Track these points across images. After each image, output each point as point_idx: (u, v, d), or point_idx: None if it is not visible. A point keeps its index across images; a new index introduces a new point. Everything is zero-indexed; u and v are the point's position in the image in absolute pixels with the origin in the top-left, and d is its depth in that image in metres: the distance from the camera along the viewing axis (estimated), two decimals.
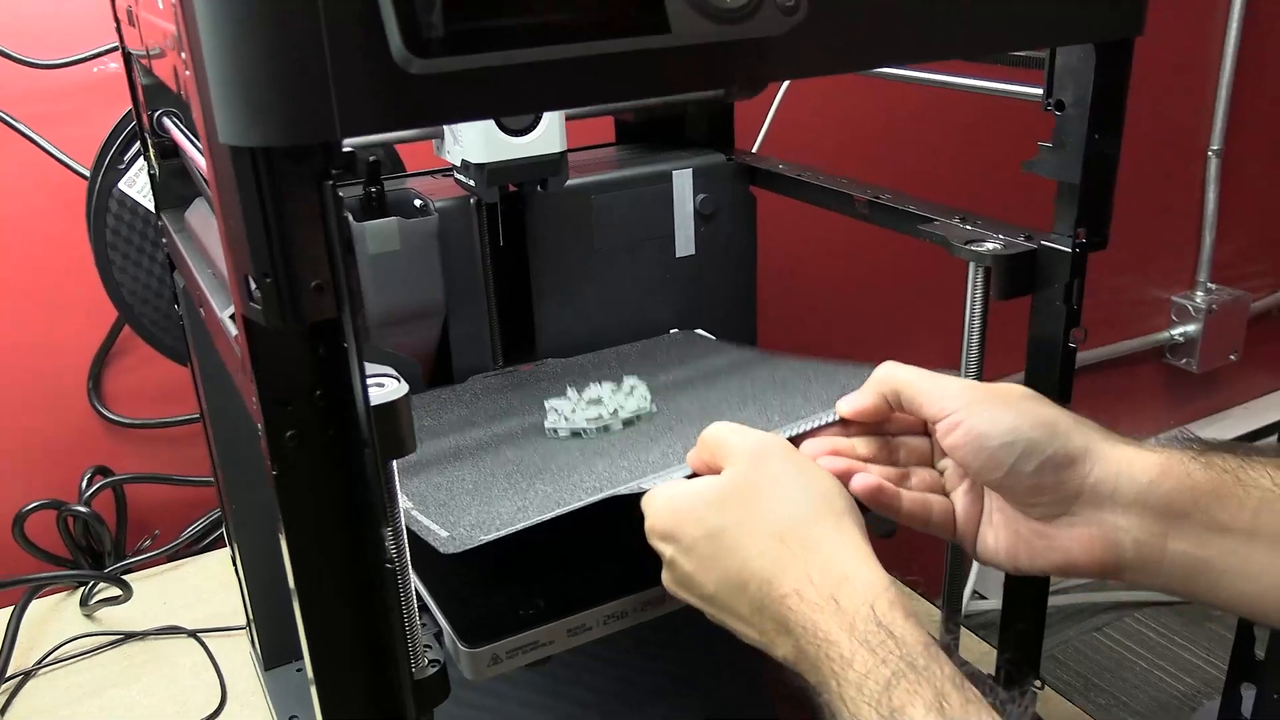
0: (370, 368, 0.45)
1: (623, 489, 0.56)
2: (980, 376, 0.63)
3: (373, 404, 0.43)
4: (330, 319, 0.41)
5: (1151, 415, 2.14)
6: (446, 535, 0.57)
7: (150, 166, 0.75)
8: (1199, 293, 2.03)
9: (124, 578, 1.03)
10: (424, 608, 0.59)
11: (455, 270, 0.77)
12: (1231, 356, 2.07)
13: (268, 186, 0.37)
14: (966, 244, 0.62)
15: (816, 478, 0.51)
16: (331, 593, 0.46)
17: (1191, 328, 2.02)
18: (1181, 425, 2.18)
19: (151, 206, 0.93)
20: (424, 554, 0.60)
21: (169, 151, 0.72)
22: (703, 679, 0.79)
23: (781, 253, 0.80)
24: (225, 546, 0.97)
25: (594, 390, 0.73)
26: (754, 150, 0.92)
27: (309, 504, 0.44)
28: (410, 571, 0.48)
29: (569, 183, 0.77)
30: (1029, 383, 0.61)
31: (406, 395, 0.44)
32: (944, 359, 0.61)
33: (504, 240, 0.79)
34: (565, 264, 0.82)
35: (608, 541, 0.62)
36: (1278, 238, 2.11)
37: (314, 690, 0.47)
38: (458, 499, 0.62)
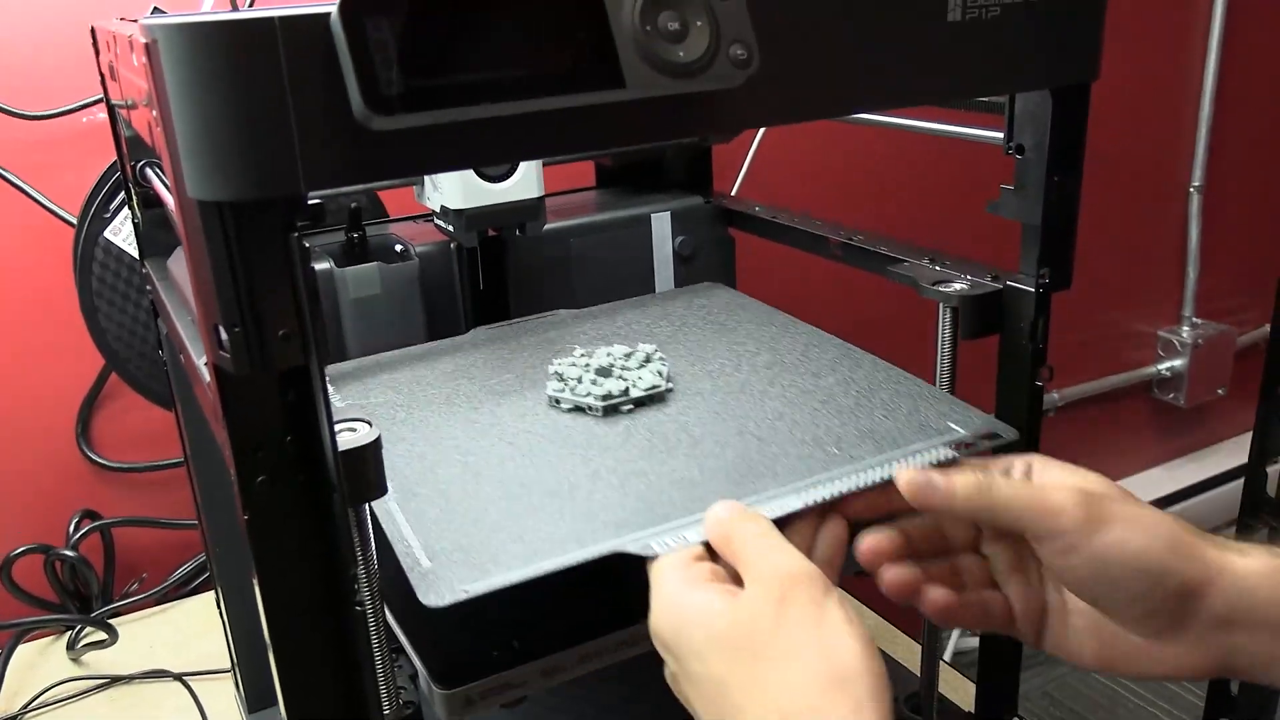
0: (342, 412, 0.46)
1: (630, 546, 0.53)
2: None
3: (342, 449, 0.44)
4: (299, 366, 0.42)
5: (1139, 450, 2.14)
6: (428, 566, 0.53)
7: (134, 215, 0.76)
8: (1185, 327, 2.04)
9: (110, 621, 1.04)
10: (400, 648, 0.59)
11: (436, 314, 0.78)
12: (1219, 391, 2.08)
13: (235, 239, 0.38)
14: (934, 284, 0.63)
15: (838, 643, 0.44)
16: (305, 636, 0.47)
17: (1178, 362, 2.03)
18: (1169, 460, 2.19)
19: (136, 254, 0.94)
20: (401, 592, 0.60)
21: (151, 201, 0.74)
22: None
23: (761, 293, 0.81)
24: (212, 589, 0.98)
25: (602, 356, 0.67)
26: (733, 192, 0.93)
27: (281, 549, 0.45)
28: (385, 613, 0.49)
29: (548, 227, 0.79)
30: (1000, 418, 0.61)
31: (377, 440, 0.45)
32: None
33: (484, 284, 0.80)
34: (545, 307, 0.82)
35: (586, 578, 0.62)
36: (1261, 272, 2.12)
37: None
38: (443, 492, 0.57)
